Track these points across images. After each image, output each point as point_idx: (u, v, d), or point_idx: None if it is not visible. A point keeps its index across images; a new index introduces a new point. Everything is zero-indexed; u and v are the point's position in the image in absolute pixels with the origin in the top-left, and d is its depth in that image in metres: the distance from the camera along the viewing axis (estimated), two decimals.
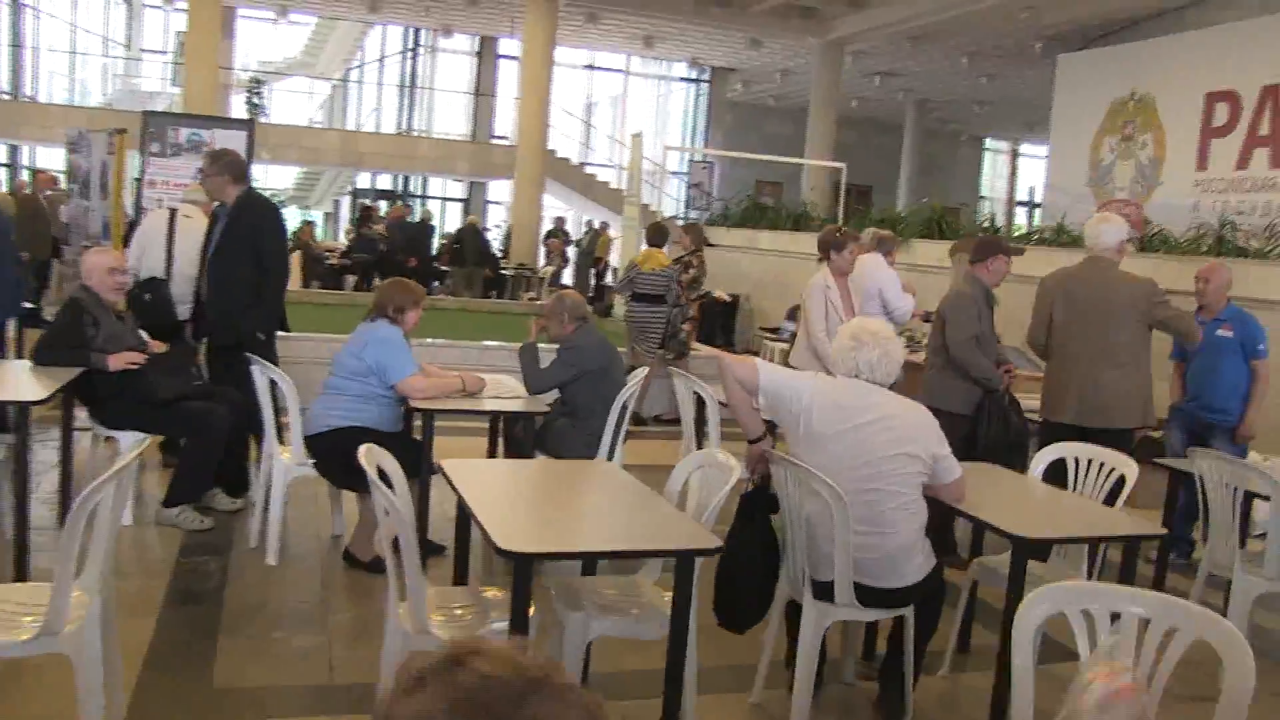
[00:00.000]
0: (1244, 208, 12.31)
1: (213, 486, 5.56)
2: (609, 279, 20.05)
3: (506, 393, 5.36)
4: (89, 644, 2.84)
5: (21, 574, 4.41)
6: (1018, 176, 34.24)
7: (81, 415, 5.38)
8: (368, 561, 4.87)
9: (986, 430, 5.33)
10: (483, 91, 25.55)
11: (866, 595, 3.57)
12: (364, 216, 18.27)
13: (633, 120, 27.91)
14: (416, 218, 19.51)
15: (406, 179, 27.45)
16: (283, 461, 4.88)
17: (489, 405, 5.12)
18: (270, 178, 25.12)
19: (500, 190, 27.41)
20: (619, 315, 12.42)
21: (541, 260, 20.21)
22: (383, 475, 3.22)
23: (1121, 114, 14.87)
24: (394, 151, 23.77)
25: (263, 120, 23.37)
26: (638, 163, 12.18)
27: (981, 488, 3.85)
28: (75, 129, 7.79)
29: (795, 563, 3.70)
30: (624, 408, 5.31)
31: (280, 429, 5.10)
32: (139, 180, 7.53)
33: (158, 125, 7.55)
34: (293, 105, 26.25)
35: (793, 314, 13.06)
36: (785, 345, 12.66)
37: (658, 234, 8.99)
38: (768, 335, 13.42)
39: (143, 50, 26.01)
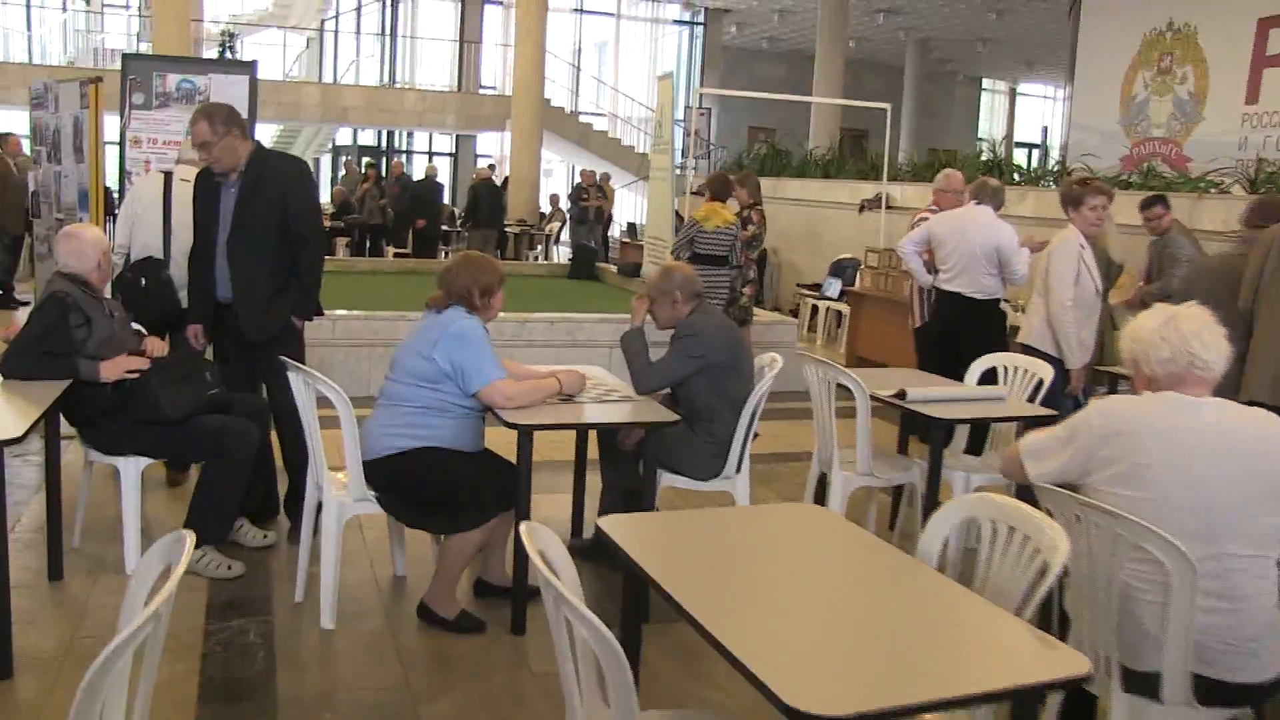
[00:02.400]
0: None
1: (239, 518, 4.47)
2: (613, 233, 18.91)
3: (606, 389, 4.27)
4: None
5: (6, 666, 3.32)
6: (1015, 118, 33.37)
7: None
8: (452, 619, 3.81)
9: None
10: (468, 39, 24.18)
11: (1207, 691, 2.53)
12: (365, 177, 16.95)
13: (625, 66, 26.66)
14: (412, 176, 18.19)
15: (391, 134, 26.09)
16: (335, 497, 3.78)
17: (600, 415, 4.01)
18: None
19: (490, 143, 26.13)
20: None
21: (547, 213, 19.04)
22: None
23: (1158, 46, 13.87)
24: (377, 105, 22.41)
25: None
26: (668, 107, 11.02)
27: None
28: (40, 81, 6.58)
29: (1091, 642, 2.65)
30: (754, 410, 4.25)
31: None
32: (120, 138, 6.32)
33: (140, 72, 6.29)
34: (267, 59, 24.76)
35: (838, 269, 11.99)
36: (831, 303, 11.63)
37: (721, 187, 7.85)
38: (808, 293, 12.35)
39: (105, 4, 24.45)
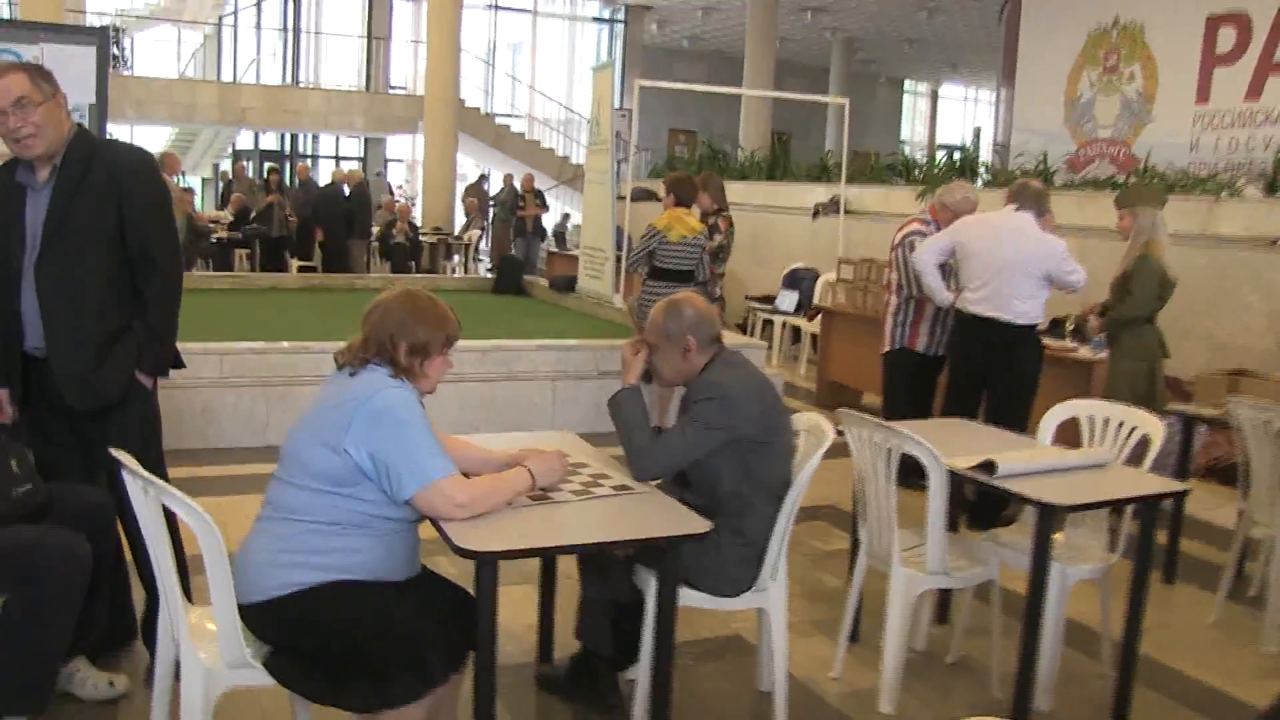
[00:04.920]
0: (1254, 143, 10.96)
1: (64, 664, 3.15)
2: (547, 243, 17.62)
3: (591, 474, 3.03)
4: None
5: None
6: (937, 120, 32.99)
7: None
8: None
9: None
10: (376, 35, 22.72)
11: None
12: (266, 186, 15.40)
13: (541, 66, 25.43)
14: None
15: (295, 137, 24.47)
16: (200, 663, 2.49)
17: (595, 526, 2.71)
18: (139, 139, 22.02)
19: (401, 146, 24.71)
20: (584, 291, 10.10)
21: (459, 223, 17.69)
22: None
23: (1103, 44, 13.29)
24: (279, 105, 20.89)
25: (125, 73, 20.32)
26: (605, 102, 9.82)
27: None
28: None
29: None
30: (796, 499, 3.07)
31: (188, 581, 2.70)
32: None
33: None
34: (160, 56, 23.07)
35: (792, 280, 10.91)
36: (787, 318, 10.54)
37: (687, 190, 6.68)
38: (760, 306, 11.23)
39: None
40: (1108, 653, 3.78)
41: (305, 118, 21.22)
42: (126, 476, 2.48)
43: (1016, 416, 5.18)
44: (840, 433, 3.38)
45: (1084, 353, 6.25)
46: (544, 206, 16.52)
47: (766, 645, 3.30)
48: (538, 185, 17.48)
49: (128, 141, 3.66)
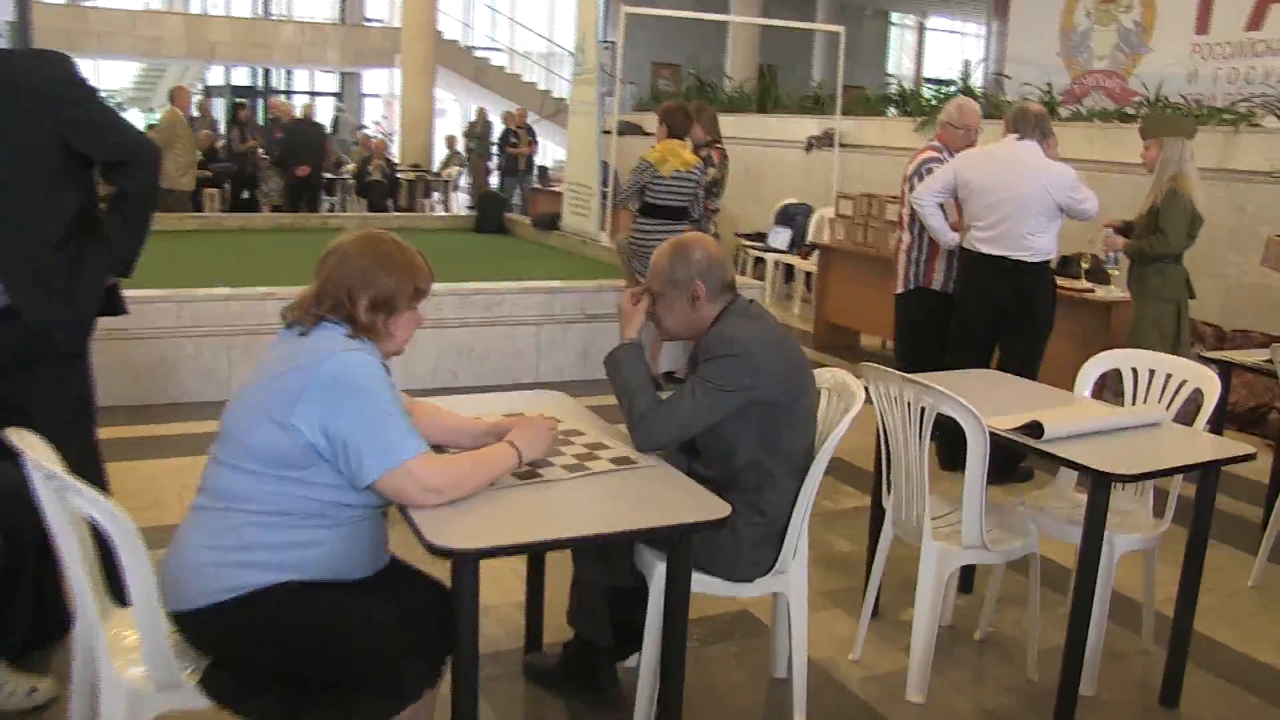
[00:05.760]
0: (1255, 74, 10.56)
1: None
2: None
3: (585, 444, 2.63)
4: None
5: None
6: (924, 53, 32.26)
7: None
8: None
9: None
10: None
11: None
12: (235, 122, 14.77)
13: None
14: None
15: (267, 72, 23.71)
16: (124, 683, 2.10)
17: (594, 515, 2.28)
18: (103, 76, 21.26)
19: (378, 80, 24.01)
20: (569, 229, 9.66)
21: (437, 161, 17.11)
22: None
23: None
24: (251, 39, 20.20)
25: (85, 5, 19.56)
26: (591, 28, 9.29)
27: None
28: None
29: None
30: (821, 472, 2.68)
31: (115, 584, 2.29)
32: None
33: None
34: None
35: (785, 216, 10.48)
36: (780, 256, 10.12)
37: (680, 120, 6.21)
38: (750, 244, 10.80)
39: None
40: (1150, 627, 3.45)
41: (277, 51, 20.55)
42: (28, 463, 2.06)
43: (1033, 362, 4.86)
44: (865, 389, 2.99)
45: (1101, 294, 5.89)
46: (534, 142, 15.94)
47: (784, 630, 2.94)
48: None
49: (31, 48, 3.20)
